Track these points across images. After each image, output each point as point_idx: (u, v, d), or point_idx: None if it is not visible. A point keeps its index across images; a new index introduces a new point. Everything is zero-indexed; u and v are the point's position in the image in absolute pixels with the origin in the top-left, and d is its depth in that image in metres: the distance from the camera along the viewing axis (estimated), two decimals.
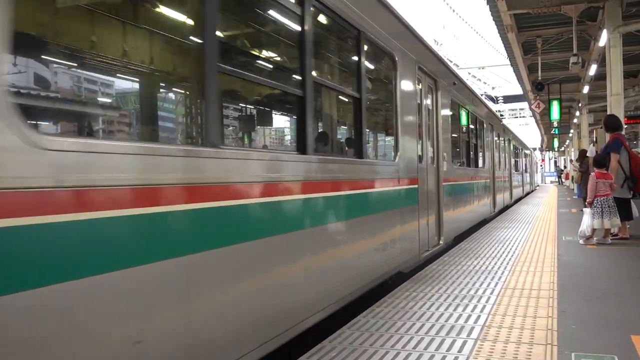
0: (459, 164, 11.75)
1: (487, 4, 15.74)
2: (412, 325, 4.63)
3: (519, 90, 34.73)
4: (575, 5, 16.06)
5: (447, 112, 10.17)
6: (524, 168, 33.26)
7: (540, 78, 22.36)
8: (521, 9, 16.40)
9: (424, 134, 8.47)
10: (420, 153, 8.03)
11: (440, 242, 9.07)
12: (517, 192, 27.00)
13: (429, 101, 9.08)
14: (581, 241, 9.52)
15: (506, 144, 23.55)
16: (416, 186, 7.63)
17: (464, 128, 13.00)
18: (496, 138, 19.87)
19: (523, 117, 78.24)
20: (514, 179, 26.09)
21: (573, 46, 18.06)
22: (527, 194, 33.71)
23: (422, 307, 5.27)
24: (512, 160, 26.13)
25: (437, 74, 9.45)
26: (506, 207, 20.72)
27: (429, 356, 3.85)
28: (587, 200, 9.44)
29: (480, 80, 56.11)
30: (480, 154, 15.54)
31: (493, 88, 63.49)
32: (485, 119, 16.60)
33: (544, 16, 17.34)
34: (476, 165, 14.28)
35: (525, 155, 36.29)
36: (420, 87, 8.31)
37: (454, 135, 11.02)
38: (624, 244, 9.38)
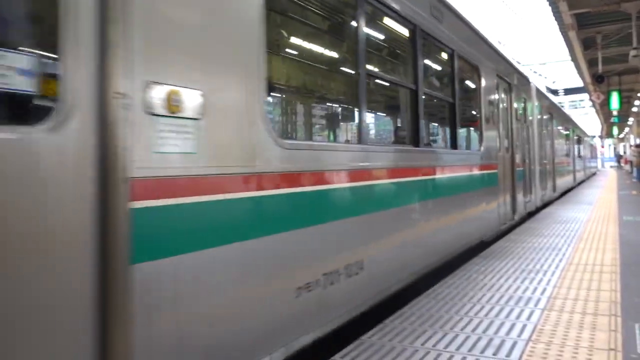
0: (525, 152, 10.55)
1: (550, 5, 14.80)
2: (483, 296, 4.49)
3: (578, 83, 32.56)
4: (635, 2, 14.81)
5: (519, 109, 9.93)
6: (585, 154, 29.44)
7: (600, 71, 20.85)
8: (582, 8, 15.32)
9: (500, 128, 8.30)
10: (498, 144, 8.16)
11: (515, 217, 9.04)
12: (579, 176, 23.93)
13: (505, 102, 8.88)
14: None
15: (569, 133, 20.92)
16: (496, 171, 7.84)
17: (531, 121, 11.69)
18: (560, 129, 17.40)
19: (582, 107, 73.36)
20: (576, 164, 22.94)
21: (633, 40, 16.72)
22: (588, 177, 30.35)
23: (491, 279, 5.09)
24: (574, 148, 22.85)
25: (511, 78, 9.18)
26: (569, 190, 18.58)
27: (500, 323, 3.72)
28: None
29: (541, 75, 53.17)
30: (545, 143, 13.62)
31: (553, 82, 60.01)
32: (549, 112, 14.84)
33: (603, 14, 16.11)
34: (540, 153, 12.61)
35: (586, 142, 31.25)
36: (497, 90, 8.22)
37: (524, 127, 10.56)
38: None
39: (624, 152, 49.76)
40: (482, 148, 7.23)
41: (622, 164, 45.43)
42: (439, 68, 6.89)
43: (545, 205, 12.89)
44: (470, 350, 3.23)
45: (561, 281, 4.89)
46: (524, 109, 10.82)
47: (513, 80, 9.52)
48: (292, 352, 2.99)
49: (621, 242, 6.97)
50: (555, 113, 16.57)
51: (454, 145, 6.22)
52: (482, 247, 6.88)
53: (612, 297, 4.27)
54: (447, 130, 7.28)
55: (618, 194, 16.01)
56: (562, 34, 18.08)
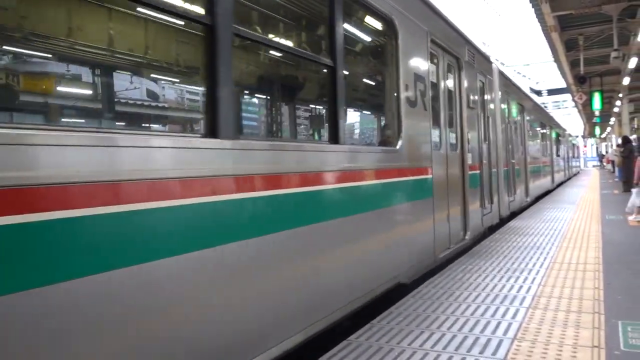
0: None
1: (532, 7, 15.00)
2: (469, 295, 4.53)
3: (561, 84, 32.98)
4: (615, 4, 15.07)
5: (474, 94, 7.61)
6: (565, 153, 27.23)
7: (582, 72, 21.19)
8: (564, 10, 15.55)
9: (441, 117, 6.24)
10: (437, 139, 6.01)
11: (466, 237, 6.88)
12: (558, 177, 21.68)
13: (449, 82, 6.71)
14: (630, 217, 9.11)
15: (546, 130, 18.82)
16: (429, 176, 5.50)
17: (492, 111, 9.14)
18: (534, 124, 15.42)
19: (566, 108, 74.42)
20: (555, 164, 20.85)
21: (614, 42, 17.04)
22: (569, 178, 28.87)
23: (477, 278, 5.14)
24: (552, 146, 20.65)
25: (460, 51, 6.93)
26: (546, 193, 16.79)
27: (486, 322, 3.76)
28: (634, 181, 9.22)
29: (525, 76, 53.79)
30: (514, 140, 11.32)
31: (537, 82, 60.80)
32: (520, 104, 12.54)
33: (585, 16, 16.40)
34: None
35: (566, 140, 28.66)
36: (436, 63, 6.11)
37: (481, 119, 8.13)
38: None
39: (606, 152, 50.53)
40: (400, 143, 4.80)
41: (605, 164, 46.12)
42: (296, 5, 4.81)
43: (515, 214, 10.81)
44: (456, 349, 3.25)
45: (545, 280, 4.95)
46: (483, 96, 8.32)
47: (463, 54, 7.07)
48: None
49: (604, 240, 7.07)
50: (527, 105, 14.14)
51: (333, 137, 3.81)
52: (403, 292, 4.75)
53: (596, 295, 4.33)
54: (320, 112, 5.04)
55: (600, 193, 16.24)
56: (545, 35, 18.34)
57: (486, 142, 8.30)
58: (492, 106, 8.98)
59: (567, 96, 48.44)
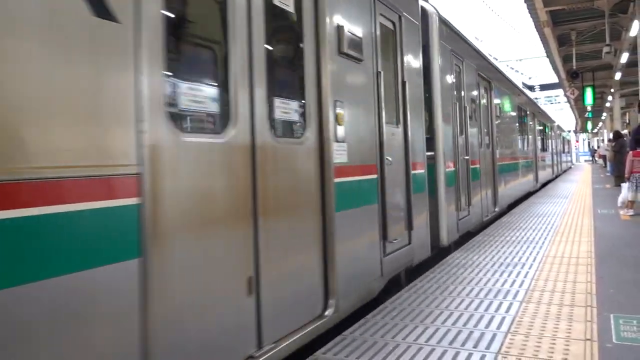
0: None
1: (525, 2, 15.04)
2: (463, 289, 4.54)
3: (554, 79, 33.09)
4: None
5: (356, 31, 4.00)
6: (553, 147, 23.78)
7: (574, 67, 21.29)
8: (556, 5, 15.62)
9: (238, 59, 2.75)
10: (202, 106, 2.59)
11: (327, 312, 3.45)
12: (543, 176, 18.33)
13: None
14: (622, 212, 9.20)
15: (529, 118, 15.22)
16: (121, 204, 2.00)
17: (415, 74, 5.41)
18: (509, 110, 11.85)
19: (558, 103, 74.79)
20: (540, 159, 17.55)
21: (606, 37, 17.13)
22: (558, 175, 25.72)
23: (470, 273, 5.15)
24: (536, 138, 17.08)
25: None
26: (525, 197, 13.46)
27: (480, 316, 3.77)
28: (625, 175, 9.30)
29: (517, 71, 53.91)
30: (470, 128, 7.80)
31: (530, 78, 60.98)
32: (485, 78, 9.12)
33: (577, 11, 16.52)
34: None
35: (554, 131, 24.78)
36: None
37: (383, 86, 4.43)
38: None
39: (598, 147, 50.84)
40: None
41: (596, 159, 46.39)
42: None
43: (470, 234, 7.55)
44: (450, 343, 3.26)
45: (538, 274, 4.98)
46: (392, 45, 4.93)
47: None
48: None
49: (596, 234, 7.12)
50: (497, 82, 10.30)
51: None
52: None
53: (588, 289, 4.36)
54: None
55: (592, 187, 16.34)
56: (537, 30, 18.39)
57: (399, 125, 4.95)
58: (415, 65, 5.46)
59: (560, 91, 48.68)
